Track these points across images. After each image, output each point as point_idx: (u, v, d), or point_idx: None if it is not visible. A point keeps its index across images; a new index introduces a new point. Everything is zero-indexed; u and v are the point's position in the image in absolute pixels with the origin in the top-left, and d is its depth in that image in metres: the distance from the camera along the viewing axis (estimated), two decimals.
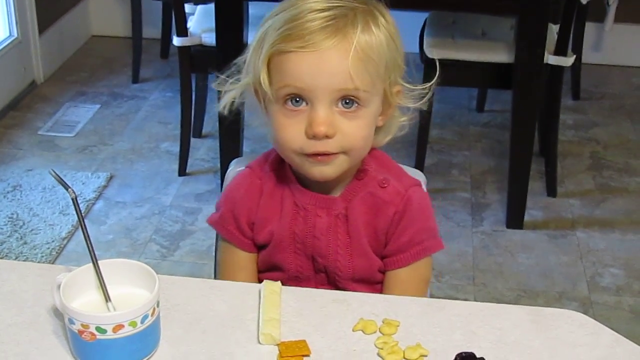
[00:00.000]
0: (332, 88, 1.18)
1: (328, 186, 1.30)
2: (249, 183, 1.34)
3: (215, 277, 1.44)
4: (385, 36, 1.21)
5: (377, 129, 1.29)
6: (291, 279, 1.35)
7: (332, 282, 1.35)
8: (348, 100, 1.20)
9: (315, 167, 1.23)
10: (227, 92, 1.30)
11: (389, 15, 1.23)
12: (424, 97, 1.29)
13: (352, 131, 1.21)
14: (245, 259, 1.37)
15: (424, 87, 1.29)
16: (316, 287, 1.32)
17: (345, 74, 1.17)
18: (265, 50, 1.20)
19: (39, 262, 2.54)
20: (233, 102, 1.31)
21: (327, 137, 1.20)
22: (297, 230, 1.31)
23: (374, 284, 1.36)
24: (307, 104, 1.20)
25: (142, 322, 1.04)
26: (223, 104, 1.31)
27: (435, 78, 1.29)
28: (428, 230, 1.33)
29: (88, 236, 1.09)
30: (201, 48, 2.88)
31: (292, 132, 1.21)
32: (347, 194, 1.30)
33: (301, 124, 1.20)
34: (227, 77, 1.30)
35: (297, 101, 1.20)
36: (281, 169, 1.33)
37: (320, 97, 1.18)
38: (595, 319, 1.17)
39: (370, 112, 1.23)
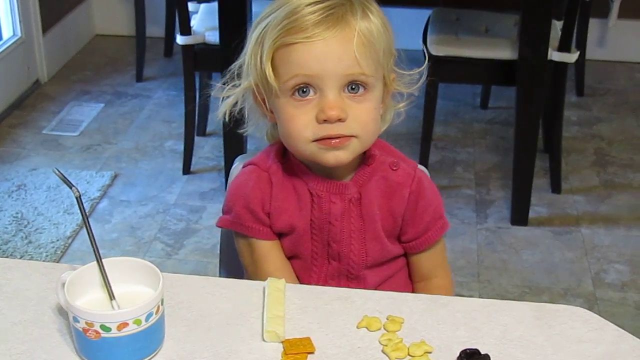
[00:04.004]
0: (340, 73, 1.21)
1: (338, 173, 1.32)
2: (256, 176, 1.34)
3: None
4: (381, 23, 1.24)
5: None
6: (307, 267, 1.36)
7: (345, 270, 1.36)
8: (355, 85, 1.23)
9: (329, 152, 1.24)
10: (225, 98, 1.32)
11: (376, 4, 1.27)
12: (416, 82, 1.33)
13: (362, 114, 1.24)
14: (270, 248, 1.36)
15: (416, 72, 1.32)
16: (325, 280, 1.35)
17: (352, 59, 1.20)
18: (269, 46, 1.22)
19: (43, 261, 2.54)
20: (233, 106, 1.33)
21: (339, 120, 1.22)
22: (314, 217, 1.33)
23: (383, 264, 1.38)
24: (315, 93, 1.22)
25: (146, 320, 1.04)
26: (223, 111, 1.33)
27: (426, 62, 1.32)
28: (441, 206, 1.39)
29: (92, 234, 1.09)
30: (205, 46, 2.89)
31: (302, 120, 1.23)
32: (358, 178, 1.33)
33: (311, 112, 1.22)
34: (224, 84, 1.32)
35: (304, 91, 1.22)
36: (287, 161, 1.34)
37: (328, 83, 1.21)
38: (600, 315, 1.17)
39: (376, 96, 1.26)
